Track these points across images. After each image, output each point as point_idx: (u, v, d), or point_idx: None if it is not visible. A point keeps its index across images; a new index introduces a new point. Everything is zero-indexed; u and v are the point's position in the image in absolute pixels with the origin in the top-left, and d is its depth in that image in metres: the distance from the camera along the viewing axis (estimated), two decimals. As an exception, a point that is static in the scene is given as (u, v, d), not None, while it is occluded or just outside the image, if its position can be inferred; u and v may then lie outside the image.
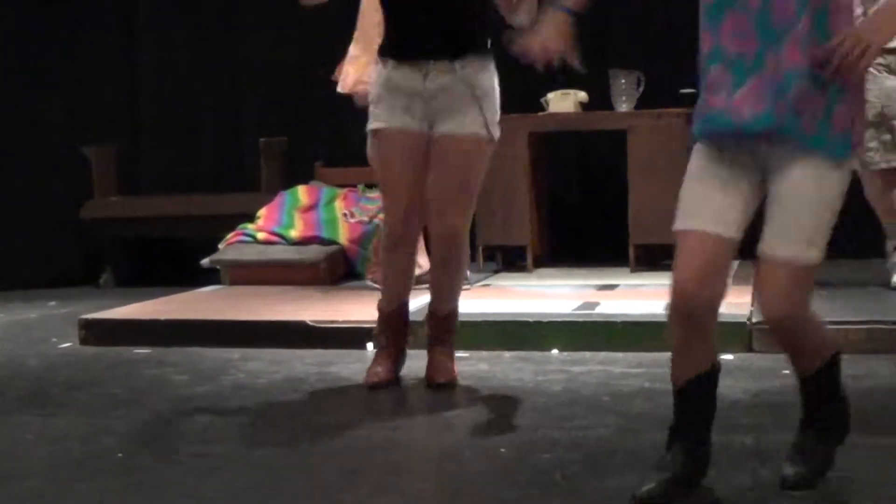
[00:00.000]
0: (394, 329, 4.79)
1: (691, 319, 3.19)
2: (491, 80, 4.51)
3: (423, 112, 4.48)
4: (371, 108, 4.60)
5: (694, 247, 3.14)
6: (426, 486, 3.56)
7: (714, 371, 3.28)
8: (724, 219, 3.15)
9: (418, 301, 5.04)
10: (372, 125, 4.60)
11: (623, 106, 7.16)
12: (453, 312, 4.81)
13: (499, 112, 4.56)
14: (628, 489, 3.32)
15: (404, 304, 4.80)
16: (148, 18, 8.54)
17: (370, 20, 5.80)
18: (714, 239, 3.13)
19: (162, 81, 8.49)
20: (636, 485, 3.24)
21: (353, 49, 6.15)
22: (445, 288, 4.74)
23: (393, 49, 4.54)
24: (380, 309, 4.83)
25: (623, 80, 7.14)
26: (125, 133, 8.53)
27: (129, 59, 8.57)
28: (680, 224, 3.19)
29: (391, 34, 4.58)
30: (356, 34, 6.13)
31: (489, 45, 4.51)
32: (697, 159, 3.26)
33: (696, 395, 3.24)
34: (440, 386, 4.67)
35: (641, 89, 7.21)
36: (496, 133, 4.53)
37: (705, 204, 3.18)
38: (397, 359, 4.82)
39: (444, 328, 4.78)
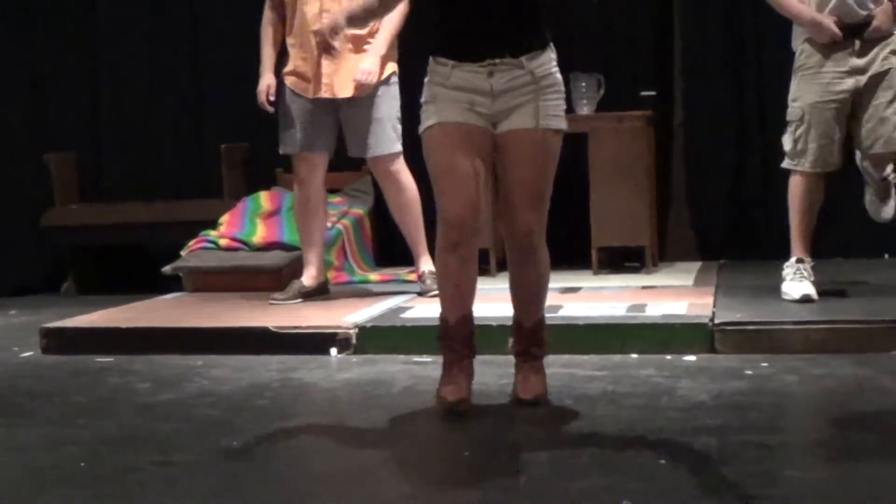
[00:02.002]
0: (459, 342, 4.45)
1: None
2: (556, 72, 4.39)
3: (487, 110, 4.29)
4: (424, 108, 4.36)
5: None
6: (390, 491, 3.56)
7: None
8: None
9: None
10: (427, 122, 4.32)
11: (584, 109, 7.18)
12: (540, 323, 4.56)
13: (564, 103, 4.43)
14: (593, 491, 3.34)
15: (467, 315, 4.46)
16: (108, 24, 8.50)
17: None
18: None
19: (122, 88, 8.46)
20: (601, 486, 3.25)
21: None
22: (528, 296, 4.52)
23: (452, 49, 4.31)
24: (441, 320, 4.47)
25: (583, 83, 7.16)
26: (86, 140, 8.49)
27: (89, 66, 8.52)
28: None
29: (448, 33, 4.34)
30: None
31: (550, 38, 4.40)
32: None
33: None
34: (528, 403, 4.43)
35: (602, 92, 7.24)
36: (563, 125, 4.39)
37: None
38: (469, 374, 4.47)
39: (532, 341, 4.54)
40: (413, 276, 6.70)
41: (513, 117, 4.30)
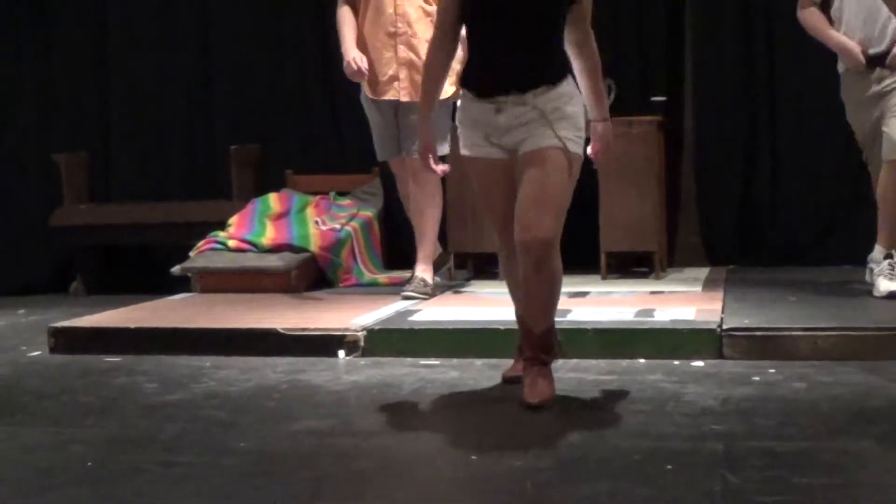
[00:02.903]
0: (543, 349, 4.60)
1: None
2: (567, 107, 4.43)
3: (500, 142, 4.46)
4: (459, 131, 4.61)
5: None
6: (396, 493, 3.56)
7: None
8: None
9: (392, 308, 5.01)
10: (461, 147, 4.60)
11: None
12: (549, 330, 4.61)
13: (582, 131, 4.48)
14: (599, 496, 3.33)
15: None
16: (119, 25, 8.51)
17: None
18: None
19: (132, 88, 8.47)
20: (607, 492, 3.24)
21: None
22: (539, 304, 4.55)
23: (471, 83, 4.52)
24: (518, 319, 4.71)
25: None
26: (95, 140, 8.50)
27: (99, 66, 8.53)
28: None
29: (470, 67, 4.56)
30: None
31: (565, 71, 4.47)
32: None
33: None
34: (534, 407, 4.45)
35: (613, 97, 7.23)
36: (577, 150, 4.45)
37: None
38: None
39: (541, 347, 4.58)
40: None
41: (526, 143, 4.42)
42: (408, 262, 6.97)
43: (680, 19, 7.80)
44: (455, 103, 4.79)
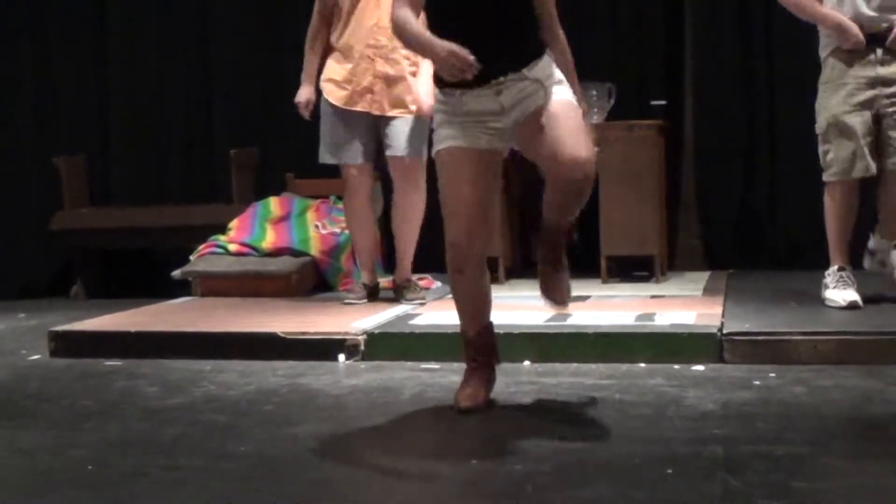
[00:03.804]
0: (482, 352, 4.56)
1: None
2: (555, 70, 4.42)
3: (501, 125, 4.37)
4: (436, 132, 4.46)
5: None
6: (396, 497, 3.56)
7: None
8: None
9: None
10: (437, 146, 4.43)
11: (594, 118, 7.18)
12: (572, 224, 4.69)
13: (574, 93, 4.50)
14: (599, 500, 3.33)
15: (487, 325, 4.59)
16: (118, 28, 8.52)
17: None
18: None
19: (132, 92, 8.48)
20: (607, 496, 3.24)
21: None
22: (576, 206, 4.47)
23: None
24: (462, 332, 4.60)
25: (594, 92, 7.16)
26: (95, 143, 8.51)
27: (99, 70, 8.54)
28: None
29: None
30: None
31: (544, 44, 4.43)
32: None
33: None
34: (563, 303, 4.63)
35: (613, 101, 7.24)
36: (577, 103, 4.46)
37: None
38: (489, 380, 4.58)
39: (564, 241, 4.61)
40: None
41: (532, 104, 4.35)
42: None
43: (679, 23, 7.80)
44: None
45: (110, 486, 3.66)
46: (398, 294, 6.53)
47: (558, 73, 4.43)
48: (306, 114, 6.55)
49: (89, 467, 3.87)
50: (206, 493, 3.57)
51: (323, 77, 6.51)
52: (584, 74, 6.90)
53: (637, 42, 7.87)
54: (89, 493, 3.60)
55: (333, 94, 6.45)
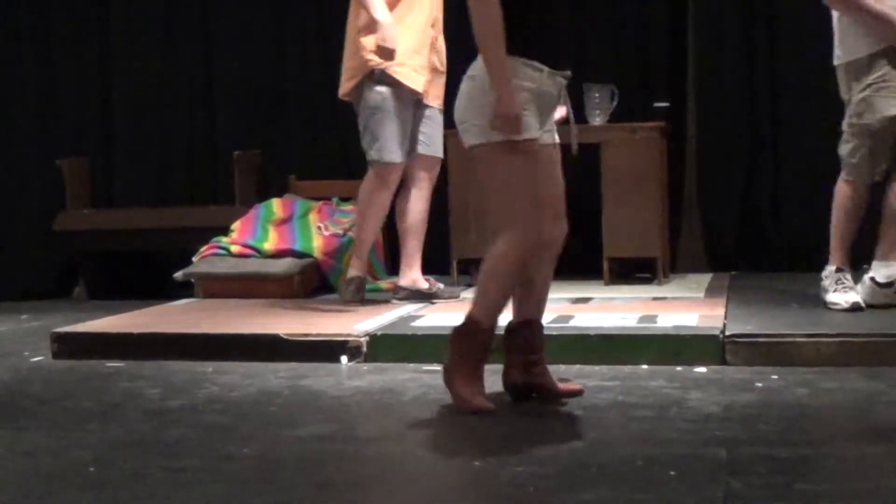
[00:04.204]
0: (486, 348, 4.48)
1: None
2: None
3: (550, 125, 4.50)
4: (527, 111, 4.28)
5: None
6: (399, 499, 3.56)
7: None
8: None
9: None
10: (526, 133, 4.26)
11: (597, 120, 7.18)
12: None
13: None
14: (602, 502, 3.33)
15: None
16: (121, 30, 8.53)
17: None
18: None
19: (135, 93, 8.48)
20: (610, 498, 3.24)
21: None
22: (545, 293, 4.62)
23: (545, 57, 4.31)
24: (477, 322, 4.44)
25: (597, 94, 7.16)
26: (98, 145, 8.51)
27: (102, 71, 8.55)
28: None
29: (541, 37, 4.32)
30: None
31: None
32: None
33: None
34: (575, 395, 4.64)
35: (615, 103, 7.24)
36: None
37: None
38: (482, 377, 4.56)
39: (542, 340, 4.64)
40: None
41: (551, 129, 4.47)
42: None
43: (683, 25, 7.80)
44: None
45: (112, 488, 3.66)
46: (422, 297, 6.47)
47: None
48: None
49: (91, 469, 3.87)
50: (208, 494, 3.57)
51: (398, 59, 6.11)
52: (587, 76, 7.00)
53: (640, 44, 7.87)
54: (91, 495, 3.60)
55: (412, 80, 6.26)
